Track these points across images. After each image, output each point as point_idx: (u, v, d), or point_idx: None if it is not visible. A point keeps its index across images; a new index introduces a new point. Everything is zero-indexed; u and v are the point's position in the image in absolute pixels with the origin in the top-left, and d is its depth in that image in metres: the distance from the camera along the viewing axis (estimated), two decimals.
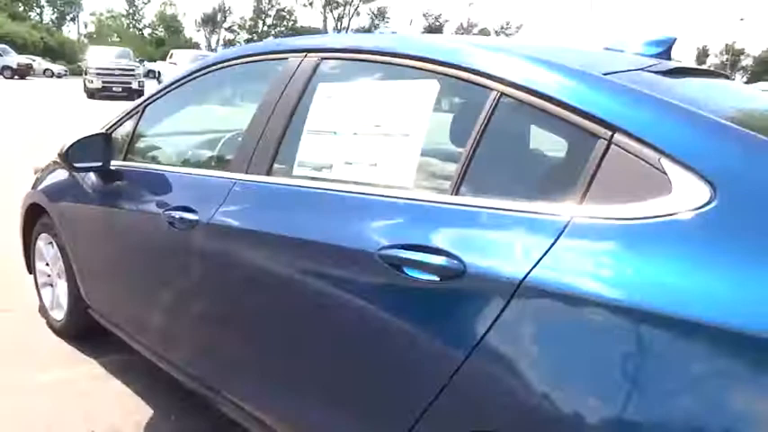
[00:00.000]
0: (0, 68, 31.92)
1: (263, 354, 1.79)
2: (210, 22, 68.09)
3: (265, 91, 1.91)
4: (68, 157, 2.28)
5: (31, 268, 3.21)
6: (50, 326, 3.06)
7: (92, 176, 2.48)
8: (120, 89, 20.08)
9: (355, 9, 71.62)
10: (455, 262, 1.25)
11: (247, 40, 68.84)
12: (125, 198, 2.36)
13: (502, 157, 1.44)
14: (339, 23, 71.66)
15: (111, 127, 2.49)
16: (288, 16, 70.22)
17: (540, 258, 1.15)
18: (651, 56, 1.67)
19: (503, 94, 1.36)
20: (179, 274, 2.04)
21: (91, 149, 2.34)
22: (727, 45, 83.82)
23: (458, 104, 1.63)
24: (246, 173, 1.83)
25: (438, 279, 1.27)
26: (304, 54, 1.84)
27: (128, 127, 2.45)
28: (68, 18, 63.35)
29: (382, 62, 1.67)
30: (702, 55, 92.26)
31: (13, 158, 7.46)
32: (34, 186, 3.03)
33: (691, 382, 0.99)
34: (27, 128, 11.28)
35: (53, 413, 2.35)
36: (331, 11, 71.36)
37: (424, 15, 74.86)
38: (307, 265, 1.58)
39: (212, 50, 58.59)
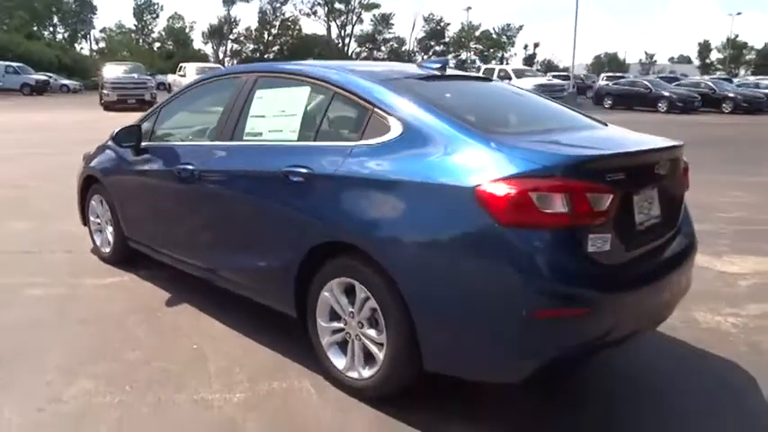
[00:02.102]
0: (20, 86, 33.66)
1: (231, 236, 3.24)
2: (217, 34, 70.13)
3: (230, 94, 3.38)
4: (117, 138, 3.78)
5: (85, 221, 4.70)
6: (101, 258, 4.54)
7: (129, 153, 3.95)
8: (135, 101, 21.62)
9: (358, 16, 73.50)
10: (311, 170, 2.69)
11: (254, 51, 70.83)
12: (150, 164, 3.81)
13: (332, 123, 2.91)
14: (342, 31, 73.67)
15: (141, 120, 3.99)
16: (292, 26, 72.15)
17: (343, 162, 2.60)
18: (435, 69, 3.12)
19: (335, 93, 2.82)
20: (184, 204, 3.51)
21: (129, 134, 3.83)
22: (728, 39, 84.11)
23: (317, 98, 3.06)
24: (219, 140, 3.30)
25: (303, 180, 2.72)
26: (249, 74, 3.33)
27: (151, 120, 3.94)
28: (80, 35, 65.68)
29: (286, 77, 3.16)
30: (704, 50, 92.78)
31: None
32: (86, 164, 4.52)
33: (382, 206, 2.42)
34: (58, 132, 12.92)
35: (110, 297, 3.84)
36: (334, 19, 73.28)
37: (426, 20, 76.73)
38: (249, 181, 3.05)
39: (220, 62, 60.38)
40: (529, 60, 76.82)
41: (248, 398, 2.67)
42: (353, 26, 74.19)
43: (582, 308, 2.16)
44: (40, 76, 35.82)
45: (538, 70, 47.81)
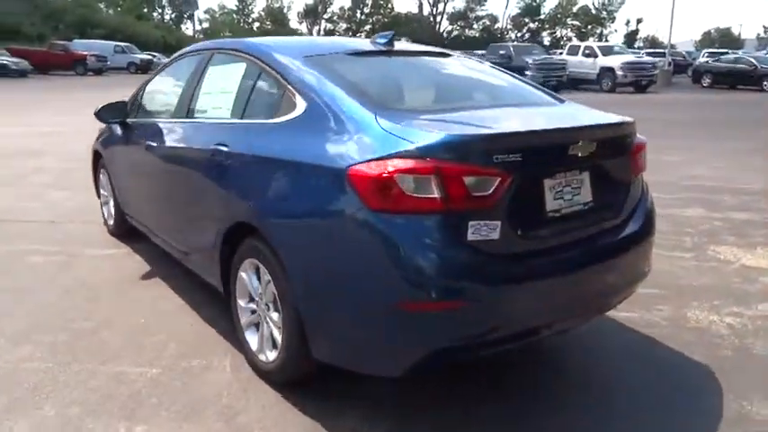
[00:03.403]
0: (126, 64, 36.54)
1: (180, 215, 3.27)
2: (312, 13, 71.46)
3: (191, 71, 3.39)
4: (98, 115, 3.92)
5: (98, 194, 4.94)
6: (108, 230, 4.76)
7: (118, 128, 4.09)
8: None
9: None
10: (229, 148, 2.65)
11: (346, 30, 71.55)
12: (133, 139, 3.92)
13: (257, 100, 2.81)
14: (435, 9, 72.61)
15: (129, 98, 4.10)
16: (384, 4, 71.97)
17: (253, 141, 2.54)
18: (382, 44, 2.96)
19: (262, 69, 2.75)
20: (152, 180, 3.58)
21: (112, 111, 3.96)
22: None
23: (248, 74, 2.96)
24: (178, 118, 3.33)
25: (224, 158, 2.68)
26: (205, 51, 3.32)
27: (136, 97, 4.04)
28: (186, 16, 69.03)
29: (230, 54, 3.12)
30: None
31: None
32: (96, 140, 4.73)
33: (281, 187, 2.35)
34: None
35: (99, 267, 4.02)
36: None
37: None
38: (190, 159, 3.04)
39: None
40: (631, 37, 72.19)
41: (163, 373, 2.70)
42: (446, 4, 73.09)
43: (457, 301, 1.98)
44: (145, 56, 38.40)
45: (639, 47, 44.82)
